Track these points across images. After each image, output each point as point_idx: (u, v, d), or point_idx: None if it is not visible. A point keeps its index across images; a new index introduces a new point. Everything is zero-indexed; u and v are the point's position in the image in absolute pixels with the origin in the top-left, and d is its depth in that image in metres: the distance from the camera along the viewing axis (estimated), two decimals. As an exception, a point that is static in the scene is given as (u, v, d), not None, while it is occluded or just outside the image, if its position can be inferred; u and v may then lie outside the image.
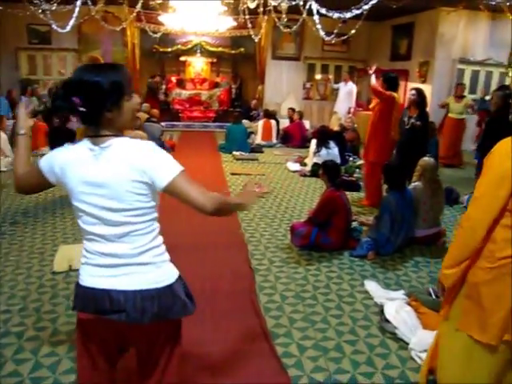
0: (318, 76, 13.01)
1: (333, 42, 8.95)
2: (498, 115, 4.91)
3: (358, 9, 7.18)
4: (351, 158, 7.68)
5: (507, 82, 10.29)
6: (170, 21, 6.84)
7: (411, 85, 10.78)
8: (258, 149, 8.89)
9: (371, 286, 3.57)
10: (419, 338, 2.77)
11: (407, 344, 2.81)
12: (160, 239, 1.64)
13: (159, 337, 1.65)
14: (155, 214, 1.60)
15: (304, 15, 8.34)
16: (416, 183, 4.46)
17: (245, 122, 12.17)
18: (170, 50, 11.93)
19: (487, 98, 8.99)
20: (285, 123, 10.50)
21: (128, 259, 1.56)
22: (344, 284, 3.63)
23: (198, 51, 12.16)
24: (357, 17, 7.42)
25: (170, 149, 8.23)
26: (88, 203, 1.53)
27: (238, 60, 13.14)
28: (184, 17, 6.51)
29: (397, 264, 4.08)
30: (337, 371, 2.56)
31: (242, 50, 12.42)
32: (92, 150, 1.52)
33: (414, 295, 3.16)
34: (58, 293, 3.28)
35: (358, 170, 7.19)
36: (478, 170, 5.89)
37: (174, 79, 12.70)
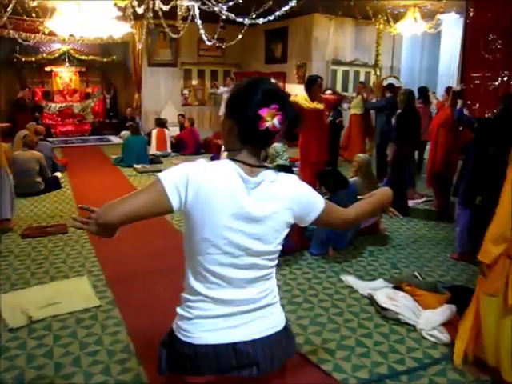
0: (195, 81, 12.97)
1: (213, 42, 8.82)
2: (406, 111, 5.53)
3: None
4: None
5: (372, 79, 11.59)
6: (56, 26, 6.13)
7: (289, 86, 11.46)
8: (156, 159, 8.52)
9: (349, 280, 3.74)
10: (426, 318, 2.99)
11: (413, 326, 3.01)
12: None
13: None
14: None
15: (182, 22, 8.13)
16: (354, 178, 4.77)
17: (123, 133, 11.59)
18: (33, 59, 10.66)
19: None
20: (174, 131, 10.25)
21: (252, 305, 1.39)
22: (325, 283, 3.73)
23: (67, 60, 11.10)
24: (231, 22, 7.52)
25: (63, 167, 7.42)
26: (229, 240, 1.31)
27: (109, 68, 12.38)
28: (74, 21, 5.91)
29: (356, 256, 4.33)
30: (373, 365, 2.64)
31: (115, 57, 11.73)
32: (245, 180, 1.30)
33: (406, 281, 3.38)
34: (34, 354, 2.70)
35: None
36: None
37: (38, 91, 11.42)
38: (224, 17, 9.51)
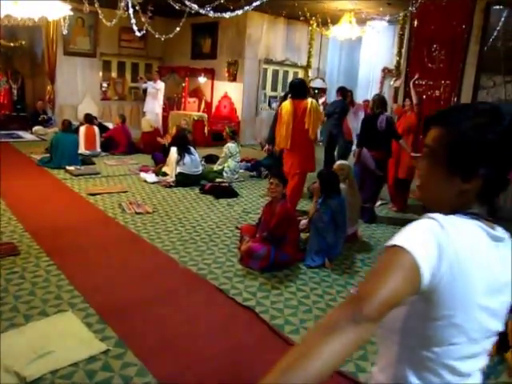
0: (114, 74, 11.99)
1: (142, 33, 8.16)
2: (374, 115, 5.54)
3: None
4: (202, 163, 7.37)
5: (300, 76, 11.66)
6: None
7: (218, 83, 11.09)
8: (88, 160, 7.61)
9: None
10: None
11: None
12: None
13: None
14: None
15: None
16: (342, 186, 4.62)
17: (37, 128, 10.39)
18: None
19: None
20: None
21: None
22: (339, 298, 3.55)
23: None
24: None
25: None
26: (479, 323, 0.98)
27: (14, 55, 10.88)
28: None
29: (351, 266, 4.21)
30: None
31: (23, 42, 10.33)
32: (494, 237, 0.99)
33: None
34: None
35: (220, 174, 6.98)
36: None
37: None
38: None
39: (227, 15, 5.47)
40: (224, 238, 4.61)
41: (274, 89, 11.44)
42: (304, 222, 4.61)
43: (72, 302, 3.17)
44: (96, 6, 7.25)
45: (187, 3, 5.45)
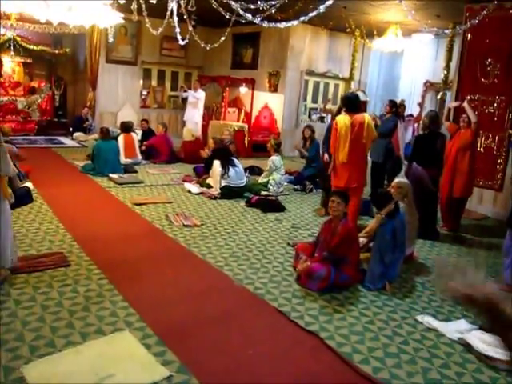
0: (154, 82, 12.06)
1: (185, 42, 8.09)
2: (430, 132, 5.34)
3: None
4: (247, 175, 7.21)
5: (340, 92, 11.49)
6: (36, 10, 5.09)
7: (259, 94, 10.99)
8: (129, 168, 7.58)
9: (430, 321, 3.40)
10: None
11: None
12: None
13: None
14: None
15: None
16: (401, 205, 4.39)
17: (78, 135, 10.48)
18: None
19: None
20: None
21: None
22: (404, 325, 3.31)
23: (12, 48, 9.64)
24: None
25: (25, 176, 6.27)
26: None
27: (58, 62, 11.06)
28: (59, 4, 4.95)
29: (411, 290, 3.97)
30: None
31: (68, 50, 10.48)
32: None
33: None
34: None
35: (265, 187, 6.82)
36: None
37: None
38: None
39: (282, 25, 5.32)
40: (277, 255, 4.42)
41: (315, 101, 11.28)
42: (362, 240, 4.38)
43: (128, 320, 3.03)
44: (144, 14, 7.25)
45: (241, 13, 5.35)
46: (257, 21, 5.37)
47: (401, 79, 13.11)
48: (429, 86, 12.14)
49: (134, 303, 3.25)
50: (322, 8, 4.87)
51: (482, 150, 6.74)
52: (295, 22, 5.18)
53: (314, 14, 5.02)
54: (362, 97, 11.77)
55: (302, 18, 5.10)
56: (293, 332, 3.08)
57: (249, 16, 5.36)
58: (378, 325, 3.28)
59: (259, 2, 5.46)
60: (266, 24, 5.33)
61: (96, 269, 3.78)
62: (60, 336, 2.79)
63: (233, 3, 5.22)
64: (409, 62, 12.57)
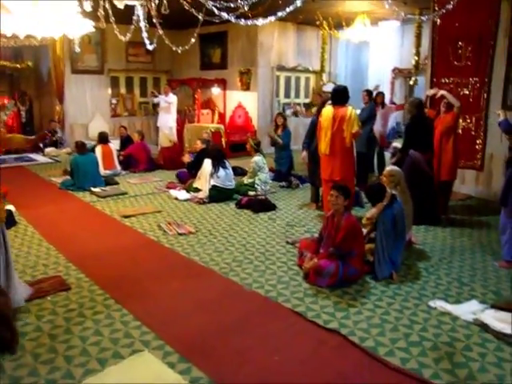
0: (123, 90, 11.79)
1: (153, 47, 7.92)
2: (414, 121, 5.39)
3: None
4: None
5: (311, 85, 11.53)
6: (5, 26, 4.84)
7: (232, 93, 10.90)
8: (110, 180, 7.36)
9: (442, 305, 3.44)
10: None
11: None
12: None
13: None
14: None
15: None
16: (394, 192, 4.40)
17: (49, 150, 10.17)
18: None
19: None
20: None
21: None
22: (419, 313, 3.33)
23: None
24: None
25: (4, 196, 5.96)
26: None
27: (20, 76, 10.66)
28: (29, 17, 4.72)
29: (417, 276, 4.01)
30: None
31: (30, 63, 10.11)
32: None
33: None
34: None
35: (252, 187, 6.75)
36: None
37: None
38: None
39: (259, 23, 5.25)
40: (279, 255, 4.38)
41: (287, 95, 11.27)
42: (363, 230, 4.37)
43: (144, 339, 2.92)
44: (111, 21, 7.04)
45: (216, 12, 5.25)
46: (232, 19, 5.28)
47: (369, 68, 13.27)
48: (397, 72, 12.34)
49: (146, 321, 3.14)
50: (299, 2, 4.84)
51: (460, 131, 6.86)
52: (273, 19, 5.08)
53: (291, 8, 4.98)
54: (333, 88, 11.93)
55: (280, 14, 5.02)
56: (313, 332, 3.04)
57: (224, 15, 5.26)
58: (393, 315, 3.28)
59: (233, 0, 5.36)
60: (242, 22, 5.23)
61: (98, 289, 3.64)
62: (76, 365, 2.65)
63: (211, 2, 5.10)
64: (375, 50, 12.73)
